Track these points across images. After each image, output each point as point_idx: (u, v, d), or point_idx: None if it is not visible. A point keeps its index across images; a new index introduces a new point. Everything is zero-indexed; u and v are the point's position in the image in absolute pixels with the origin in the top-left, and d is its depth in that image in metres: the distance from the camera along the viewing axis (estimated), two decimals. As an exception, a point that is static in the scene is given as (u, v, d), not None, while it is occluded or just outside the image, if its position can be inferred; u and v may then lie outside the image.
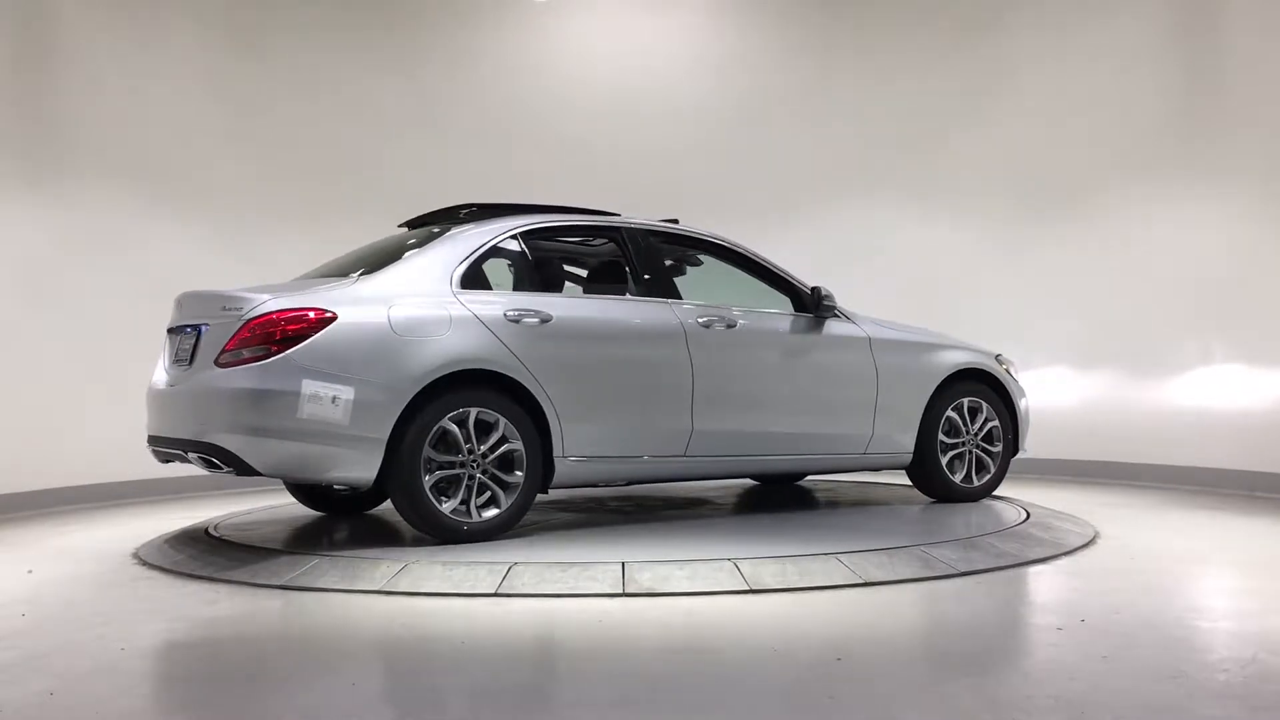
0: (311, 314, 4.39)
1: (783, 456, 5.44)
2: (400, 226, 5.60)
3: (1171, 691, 2.69)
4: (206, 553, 4.70)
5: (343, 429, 4.33)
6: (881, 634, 3.39)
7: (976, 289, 8.21)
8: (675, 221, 5.60)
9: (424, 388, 4.45)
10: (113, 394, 7.06)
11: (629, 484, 5.30)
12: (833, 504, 5.98)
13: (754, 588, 3.88)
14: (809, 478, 6.87)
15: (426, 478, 4.47)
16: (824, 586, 3.92)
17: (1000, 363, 6.01)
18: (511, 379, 4.62)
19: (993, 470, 5.89)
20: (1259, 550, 4.87)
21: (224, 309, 4.55)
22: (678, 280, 5.70)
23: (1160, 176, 7.49)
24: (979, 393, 5.84)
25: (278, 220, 8.09)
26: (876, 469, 5.85)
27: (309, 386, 4.29)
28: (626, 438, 4.93)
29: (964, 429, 5.79)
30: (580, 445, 4.79)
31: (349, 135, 8.44)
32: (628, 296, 5.18)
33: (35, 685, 2.90)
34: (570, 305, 5.00)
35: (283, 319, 4.37)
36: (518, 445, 4.63)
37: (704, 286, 5.74)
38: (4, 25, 6.87)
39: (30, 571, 4.64)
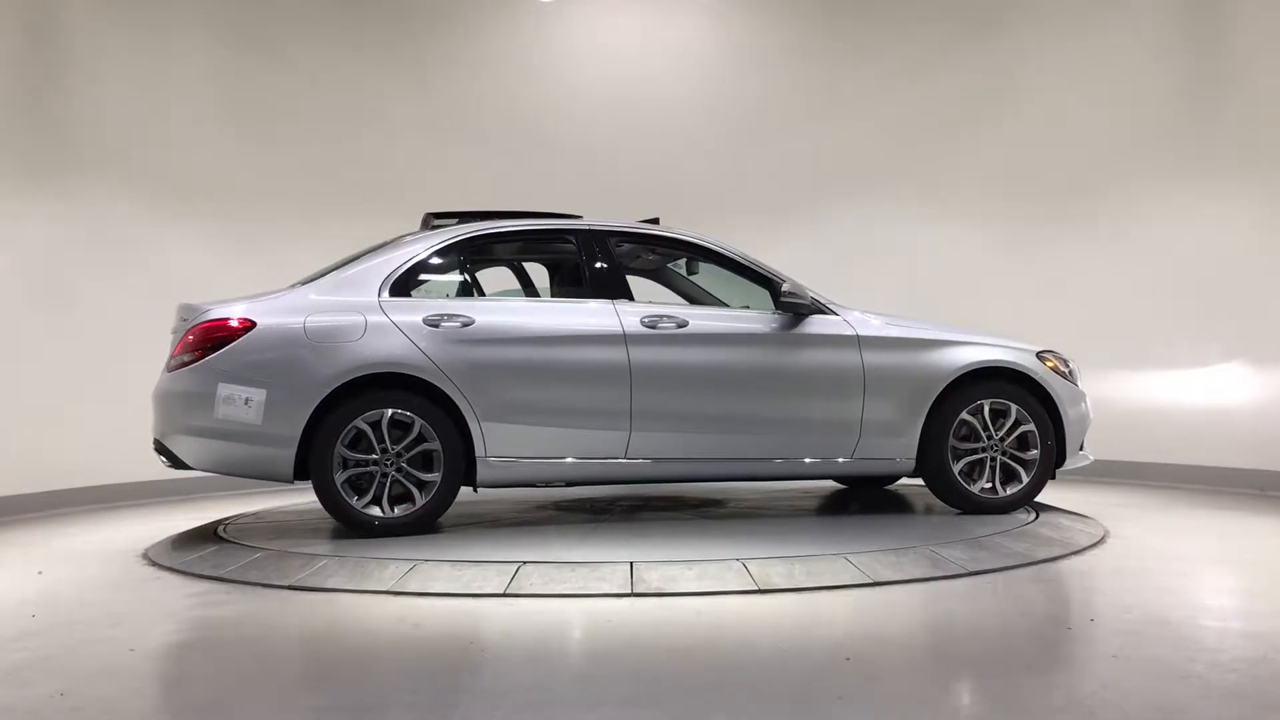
0: (235, 322, 4.82)
1: (744, 461, 5.14)
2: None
3: (1182, 691, 2.68)
4: (215, 553, 4.71)
5: (256, 428, 4.72)
6: (890, 634, 3.38)
7: (984, 287, 8.18)
8: (655, 221, 5.58)
9: (342, 390, 4.75)
10: (119, 394, 7.08)
11: (569, 485, 5.28)
12: (843, 505, 5.97)
13: (762, 588, 3.87)
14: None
15: (340, 474, 4.75)
16: (833, 586, 3.91)
17: (1045, 360, 5.41)
18: (427, 381, 4.81)
19: (1025, 480, 5.30)
20: (1269, 550, 4.85)
21: (183, 319, 5.01)
22: (694, 279, 5.68)
23: (1169, 174, 7.47)
24: (1008, 393, 5.29)
25: (283, 222, 8.10)
26: (867, 476, 5.43)
27: (224, 389, 4.73)
28: (555, 439, 4.94)
29: (983, 434, 5.28)
30: (504, 446, 4.89)
31: (355, 136, 8.45)
32: (565, 299, 5.27)
33: (45, 686, 2.92)
34: (496, 309, 5.10)
35: (211, 328, 4.83)
36: (435, 445, 4.81)
37: (712, 286, 5.73)
38: (10, 28, 6.89)
39: (40, 573, 4.66)
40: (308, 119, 8.34)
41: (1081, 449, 5.53)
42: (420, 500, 4.83)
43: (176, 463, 4.94)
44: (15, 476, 6.66)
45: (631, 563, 4.10)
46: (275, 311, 4.89)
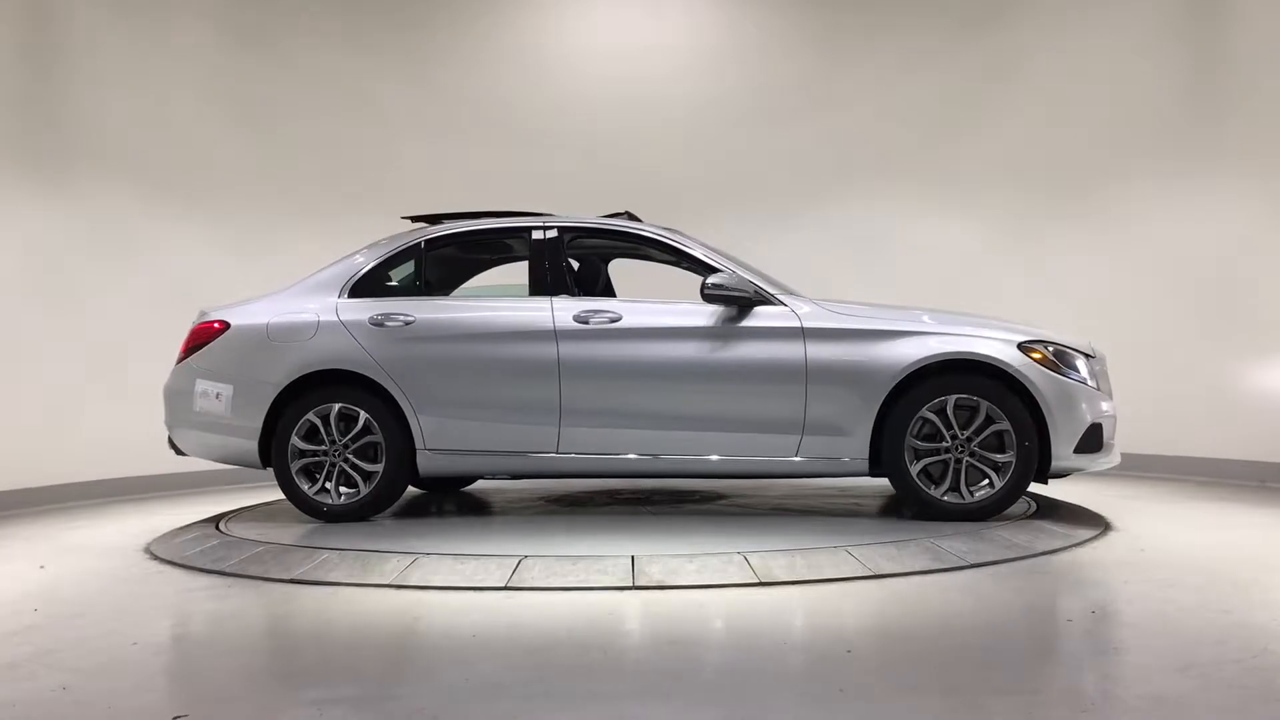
0: (217, 324, 5.39)
1: (679, 459, 4.99)
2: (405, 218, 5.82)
3: (1183, 683, 2.68)
4: (217, 547, 4.72)
5: (226, 420, 5.28)
6: (891, 626, 3.38)
7: (983, 281, 8.18)
8: (626, 214, 5.60)
9: (300, 384, 5.18)
10: (121, 389, 7.10)
11: (514, 477, 5.36)
12: (844, 497, 5.97)
13: (764, 580, 3.88)
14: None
15: (295, 463, 5.17)
16: (833, 579, 3.92)
17: (1029, 351, 4.83)
18: (368, 378, 5.13)
19: (997, 485, 4.81)
20: (1270, 542, 4.85)
21: (193, 320, 5.53)
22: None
23: (1169, 170, 7.45)
24: (979, 388, 4.78)
25: (284, 219, 8.11)
26: (813, 476, 5.13)
27: (200, 385, 5.32)
28: (489, 433, 5.08)
29: (946, 433, 4.81)
30: (439, 439, 5.12)
31: (355, 133, 8.45)
32: (507, 296, 5.39)
33: (48, 680, 2.92)
34: (436, 307, 5.28)
35: (200, 329, 5.43)
36: (379, 437, 5.13)
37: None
38: (12, 26, 6.89)
39: (43, 567, 4.67)
40: (309, 115, 8.34)
41: (1103, 449, 4.96)
42: (364, 489, 5.15)
43: (178, 450, 5.54)
44: (18, 471, 6.67)
45: (633, 556, 4.11)
46: (250, 314, 5.39)
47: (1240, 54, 7.10)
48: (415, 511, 5.73)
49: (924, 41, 8.51)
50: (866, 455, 4.87)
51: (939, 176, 8.43)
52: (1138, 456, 7.36)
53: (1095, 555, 4.42)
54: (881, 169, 8.56)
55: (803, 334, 4.91)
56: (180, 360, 5.44)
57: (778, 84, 8.77)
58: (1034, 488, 5.72)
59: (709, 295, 4.96)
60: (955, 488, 4.83)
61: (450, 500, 6.24)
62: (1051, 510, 5.27)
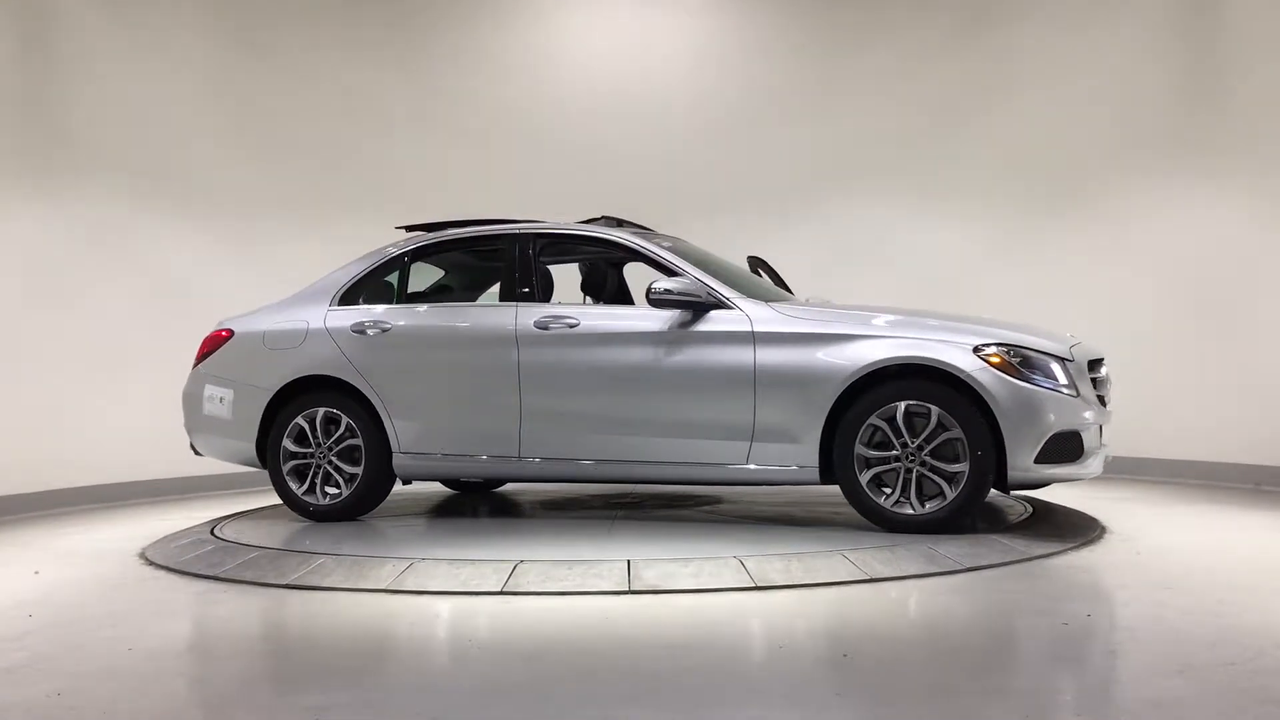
0: (224, 332, 5.70)
1: (635, 464, 4.96)
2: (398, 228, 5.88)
3: (1179, 686, 2.68)
4: (212, 552, 4.71)
5: (229, 423, 5.57)
6: (887, 630, 3.39)
7: (984, 281, 8.17)
8: (604, 219, 5.60)
9: (293, 388, 5.40)
10: (117, 394, 7.08)
11: (488, 481, 5.52)
12: (840, 503, 5.97)
13: (759, 584, 3.88)
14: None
15: (286, 465, 5.40)
16: (829, 583, 3.92)
17: (987, 354, 4.51)
18: (350, 383, 5.32)
19: (949, 496, 4.51)
20: (1265, 544, 4.86)
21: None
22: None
23: (1167, 169, 7.46)
24: (930, 393, 4.51)
25: (280, 220, 8.08)
26: (765, 484, 5.02)
27: (208, 389, 5.64)
28: (456, 437, 5.23)
29: (895, 441, 4.55)
30: (412, 442, 5.27)
31: (351, 134, 8.43)
32: (477, 303, 5.59)
33: (43, 686, 2.92)
34: (411, 315, 5.44)
35: (211, 337, 5.73)
36: (359, 441, 5.31)
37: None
38: (7, 27, 6.88)
39: (37, 573, 4.66)
40: (307, 118, 8.32)
41: (1079, 459, 4.65)
42: (345, 491, 5.33)
43: (196, 452, 5.84)
44: (13, 476, 6.65)
45: (629, 560, 4.10)
46: (251, 322, 5.65)
47: (1240, 53, 7.11)
48: (414, 514, 5.73)
49: (922, 42, 8.51)
50: (816, 463, 4.69)
51: (938, 177, 8.42)
52: (1133, 460, 7.38)
53: (1091, 559, 4.43)
54: (881, 169, 8.55)
55: (753, 338, 4.77)
56: (195, 366, 5.73)
57: (777, 85, 8.76)
58: (1029, 493, 5.77)
59: (654, 300, 4.85)
60: (906, 498, 4.58)
61: (484, 503, 6.24)
62: (1047, 514, 5.27)
